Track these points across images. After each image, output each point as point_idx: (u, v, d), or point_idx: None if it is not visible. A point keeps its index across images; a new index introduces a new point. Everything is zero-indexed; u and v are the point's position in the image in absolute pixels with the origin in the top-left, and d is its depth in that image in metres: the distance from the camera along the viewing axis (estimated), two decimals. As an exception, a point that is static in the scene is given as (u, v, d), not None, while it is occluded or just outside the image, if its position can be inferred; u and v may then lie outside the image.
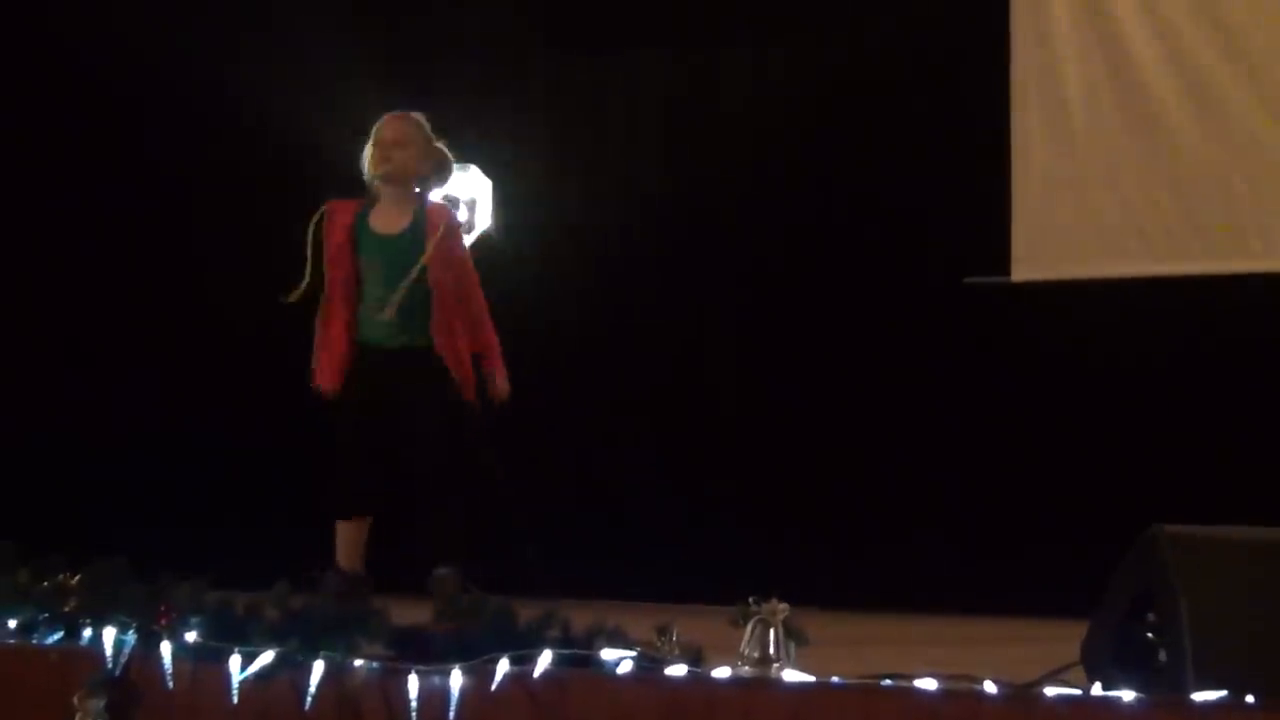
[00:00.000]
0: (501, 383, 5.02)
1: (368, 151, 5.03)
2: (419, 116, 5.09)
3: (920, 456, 6.48)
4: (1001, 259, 6.52)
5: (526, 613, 3.80)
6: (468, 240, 5.39)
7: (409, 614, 4.05)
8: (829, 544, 6.37)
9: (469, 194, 6.63)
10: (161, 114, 7.33)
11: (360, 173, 5.05)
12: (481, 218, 6.69)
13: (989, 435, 6.44)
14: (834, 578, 6.09)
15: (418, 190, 5.06)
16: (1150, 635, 3.52)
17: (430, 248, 4.87)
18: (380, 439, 4.86)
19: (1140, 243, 6.42)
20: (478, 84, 7.07)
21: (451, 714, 3.62)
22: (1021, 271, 6.52)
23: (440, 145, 5.09)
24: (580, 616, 3.81)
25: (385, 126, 5.04)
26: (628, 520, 6.64)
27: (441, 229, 4.92)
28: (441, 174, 5.14)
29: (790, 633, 3.65)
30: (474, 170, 6.58)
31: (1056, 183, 6.52)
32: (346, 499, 4.88)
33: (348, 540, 4.86)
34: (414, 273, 4.86)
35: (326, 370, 4.94)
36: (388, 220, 5.00)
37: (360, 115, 5.32)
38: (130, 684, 3.88)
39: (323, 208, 5.01)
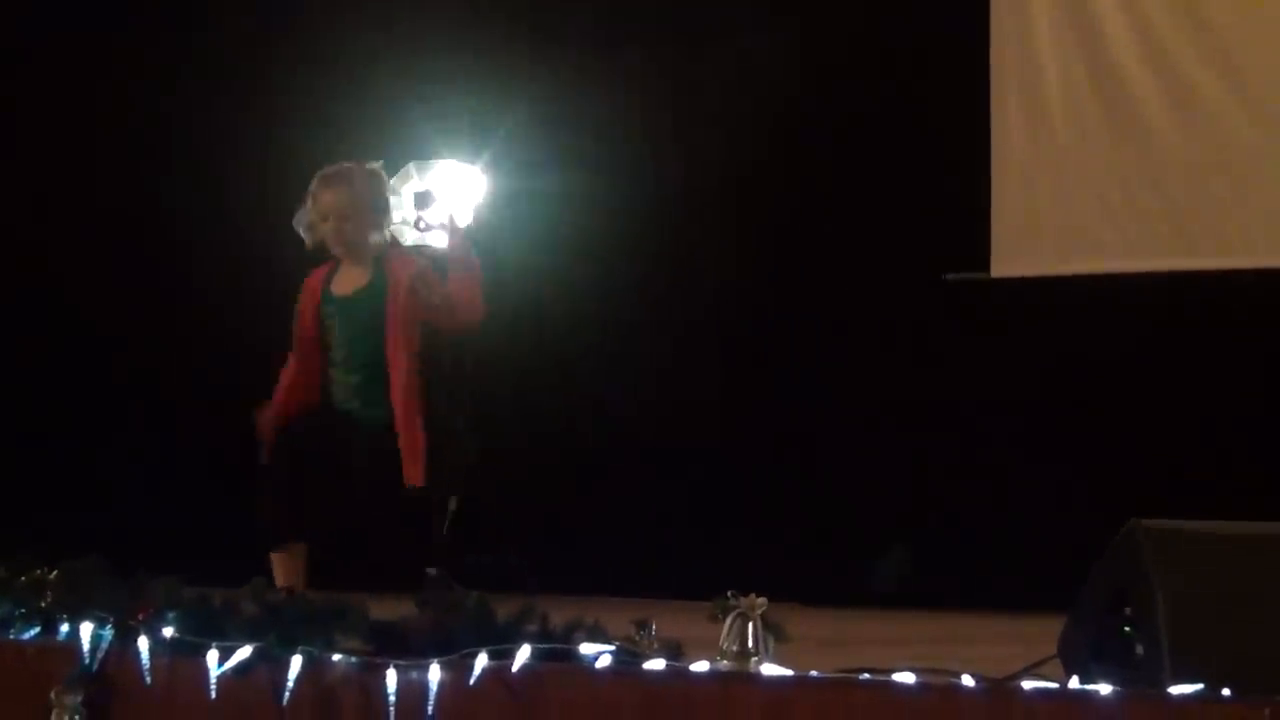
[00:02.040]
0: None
1: (308, 217, 4.86)
2: (354, 168, 4.92)
3: (899, 452, 6.50)
4: (981, 255, 6.54)
5: (505, 608, 3.79)
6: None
7: (387, 609, 4.04)
8: (808, 539, 6.39)
9: (455, 188, 6.61)
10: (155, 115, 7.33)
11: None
12: (467, 213, 6.67)
13: (968, 431, 6.46)
14: (813, 573, 6.10)
15: (374, 245, 4.90)
16: (1127, 629, 3.52)
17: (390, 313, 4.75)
18: (315, 475, 4.75)
19: (1119, 239, 6.44)
20: (465, 80, 7.08)
21: (430, 708, 3.61)
22: (1001, 268, 6.54)
23: (378, 181, 4.92)
24: (559, 611, 3.80)
25: (325, 193, 4.85)
26: (606, 515, 6.65)
27: (405, 286, 4.76)
28: (388, 214, 4.95)
29: (769, 627, 3.64)
30: (454, 164, 6.57)
31: (1036, 179, 6.54)
32: (274, 527, 4.79)
33: (283, 569, 4.77)
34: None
35: (262, 423, 4.84)
36: (347, 280, 4.89)
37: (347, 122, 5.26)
38: (107, 679, 3.87)
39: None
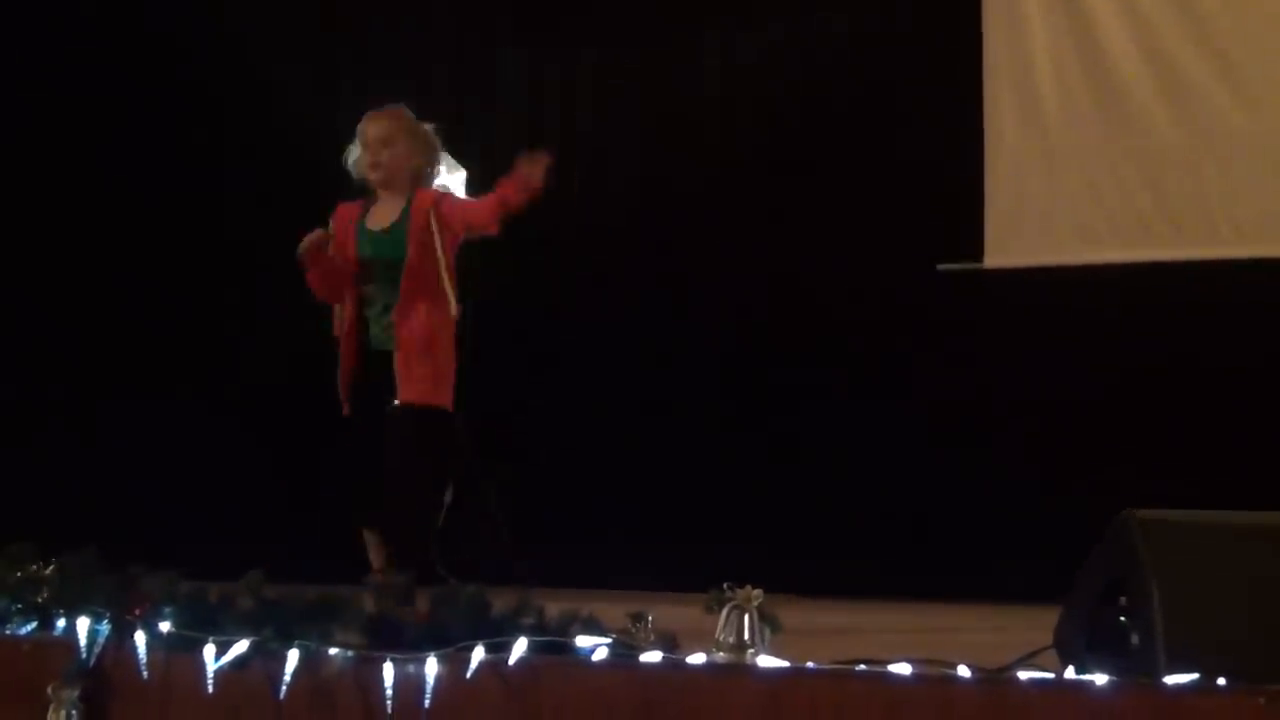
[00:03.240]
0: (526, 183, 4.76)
1: (355, 153, 4.95)
2: (401, 108, 5.01)
3: (894, 444, 6.50)
4: (975, 246, 6.54)
5: (501, 601, 3.80)
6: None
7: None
8: (803, 531, 6.39)
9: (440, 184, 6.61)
10: (164, 111, 7.32)
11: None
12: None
13: (962, 422, 6.47)
14: (808, 564, 6.11)
15: (411, 183, 4.97)
16: (1123, 619, 3.53)
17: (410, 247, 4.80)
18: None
19: (1111, 230, 6.46)
20: (451, 74, 7.08)
21: (426, 702, 3.62)
22: (994, 258, 6.55)
23: (426, 129, 5.01)
24: (555, 604, 3.81)
25: (370, 125, 4.94)
26: (602, 508, 6.65)
27: (426, 217, 4.83)
28: (431, 159, 5.03)
29: (765, 619, 3.65)
30: (447, 159, 6.57)
31: (1029, 170, 6.55)
32: (359, 509, 4.84)
33: (373, 545, 4.83)
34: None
35: (342, 387, 4.89)
36: (380, 216, 4.94)
37: (337, 105, 5.27)
38: (104, 674, 3.87)
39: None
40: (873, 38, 6.74)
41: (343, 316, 4.93)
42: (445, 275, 4.85)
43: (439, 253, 4.85)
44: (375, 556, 4.81)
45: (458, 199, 4.99)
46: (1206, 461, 5.99)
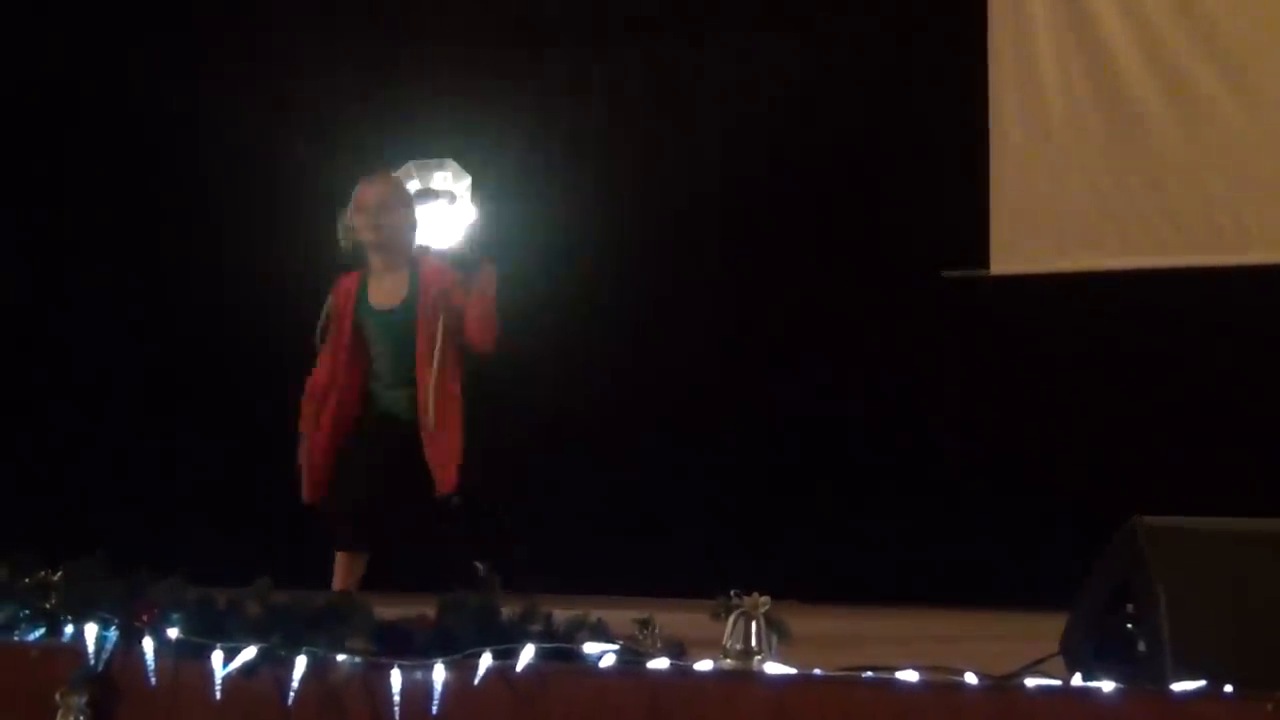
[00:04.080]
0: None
1: (351, 217, 4.93)
2: (396, 176, 5.04)
3: (901, 450, 6.50)
4: (980, 253, 6.54)
5: (508, 608, 3.80)
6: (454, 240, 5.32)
7: (392, 609, 4.05)
8: (810, 537, 6.39)
9: (447, 189, 6.62)
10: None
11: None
12: (462, 214, 6.68)
13: (969, 428, 6.47)
14: (815, 571, 6.11)
15: (407, 250, 4.98)
16: (1129, 626, 3.53)
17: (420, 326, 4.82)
18: (380, 483, 4.85)
19: (1117, 236, 6.45)
20: (458, 80, 7.08)
21: (434, 708, 3.62)
22: (1000, 265, 6.55)
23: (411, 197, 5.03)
24: (562, 611, 3.81)
25: (367, 190, 4.92)
26: (609, 514, 6.65)
27: (435, 302, 4.84)
28: (416, 230, 5.04)
29: (772, 626, 3.65)
30: (452, 164, 6.57)
31: (1034, 177, 6.55)
32: (345, 535, 4.88)
33: (344, 571, 4.87)
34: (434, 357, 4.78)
35: (308, 483, 4.91)
36: (385, 292, 4.93)
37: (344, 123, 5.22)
38: (112, 680, 3.88)
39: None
40: (877, 43, 6.74)
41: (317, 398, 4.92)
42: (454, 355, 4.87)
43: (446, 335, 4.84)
44: (341, 579, 4.84)
45: (463, 296, 4.87)
46: (1213, 468, 5.98)
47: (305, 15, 7.31)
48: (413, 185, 5.32)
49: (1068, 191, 6.51)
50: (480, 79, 7.11)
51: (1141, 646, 3.47)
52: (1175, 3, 6.41)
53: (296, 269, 6.27)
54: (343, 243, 4.94)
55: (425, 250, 5.05)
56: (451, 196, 6.41)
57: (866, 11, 6.76)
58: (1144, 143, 6.42)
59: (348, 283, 4.98)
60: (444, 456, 4.79)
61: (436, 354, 4.79)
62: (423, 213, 5.15)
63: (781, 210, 6.85)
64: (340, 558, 4.89)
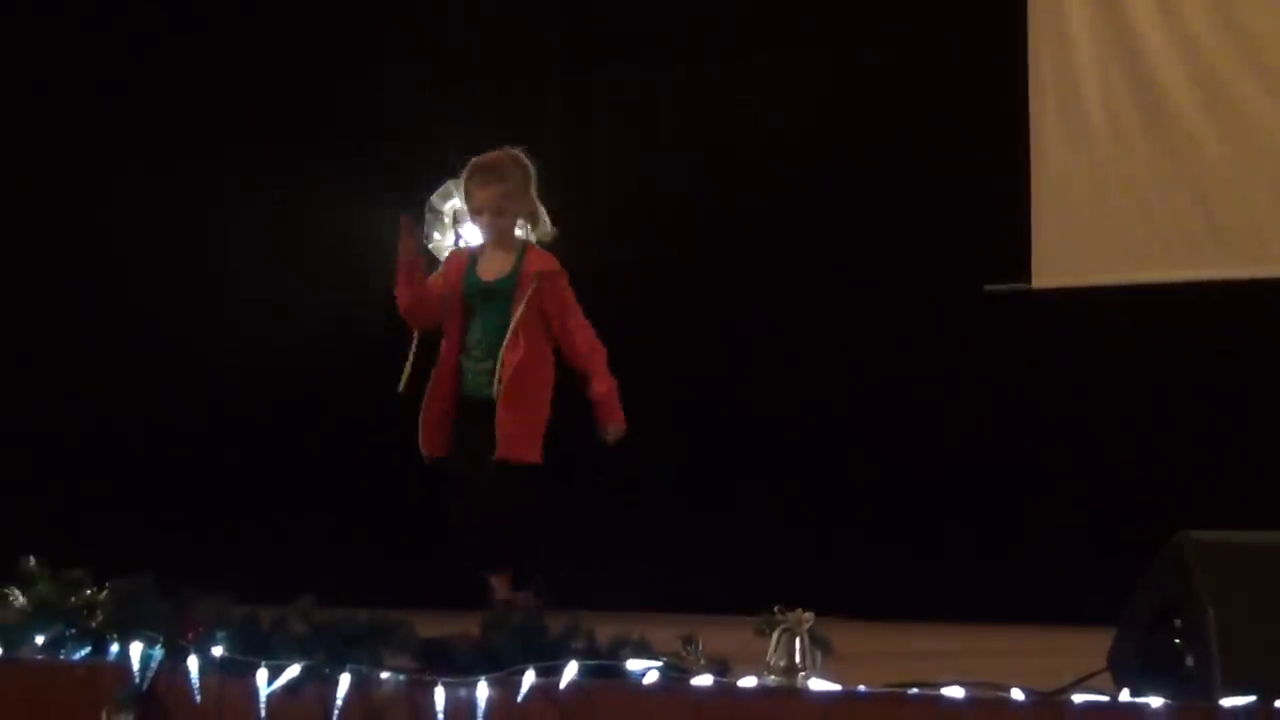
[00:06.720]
0: (611, 429, 5.04)
1: (462, 187, 5.05)
2: (506, 162, 5.06)
3: (944, 465, 6.47)
4: (1022, 266, 6.52)
5: (552, 624, 3.80)
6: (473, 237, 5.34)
7: (435, 626, 4.06)
8: (855, 553, 6.37)
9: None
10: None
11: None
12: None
13: (1013, 443, 6.44)
14: (860, 586, 6.08)
15: (519, 231, 5.08)
16: (1177, 641, 3.51)
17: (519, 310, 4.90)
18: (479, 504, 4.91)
19: (1160, 249, 6.42)
20: (491, 93, 7.11)
21: (478, 726, 3.63)
22: (1042, 279, 6.53)
23: (528, 173, 5.08)
24: (605, 627, 3.81)
25: (478, 191, 5.02)
26: (652, 530, 6.64)
27: (535, 282, 4.93)
28: (538, 207, 5.13)
29: (816, 642, 3.64)
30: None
31: (1076, 190, 6.52)
32: (471, 560, 4.96)
33: (500, 584, 4.95)
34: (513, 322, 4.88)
35: (425, 436, 5.00)
36: (491, 267, 5.03)
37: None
38: (158, 699, 3.89)
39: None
40: (918, 59, 6.73)
41: (412, 364, 5.01)
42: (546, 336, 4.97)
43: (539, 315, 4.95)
44: (502, 590, 4.93)
45: (569, 296, 5.04)
46: (1261, 482, 5.94)
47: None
48: (453, 205, 5.35)
49: (1110, 204, 6.48)
50: (521, 95, 7.14)
51: (1190, 662, 3.45)
52: (1217, 17, 6.38)
53: (336, 296, 6.33)
54: (433, 220, 5.06)
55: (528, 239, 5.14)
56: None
57: (909, 25, 6.74)
58: (1187, 156, 6.38)
59: (459, 257, 5.08)
60: (508, 426, 4.86)
61: (513, 323, 4.88)
62: (465, 231, 5.22)
63: (821, 224, 6.85)
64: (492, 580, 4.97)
